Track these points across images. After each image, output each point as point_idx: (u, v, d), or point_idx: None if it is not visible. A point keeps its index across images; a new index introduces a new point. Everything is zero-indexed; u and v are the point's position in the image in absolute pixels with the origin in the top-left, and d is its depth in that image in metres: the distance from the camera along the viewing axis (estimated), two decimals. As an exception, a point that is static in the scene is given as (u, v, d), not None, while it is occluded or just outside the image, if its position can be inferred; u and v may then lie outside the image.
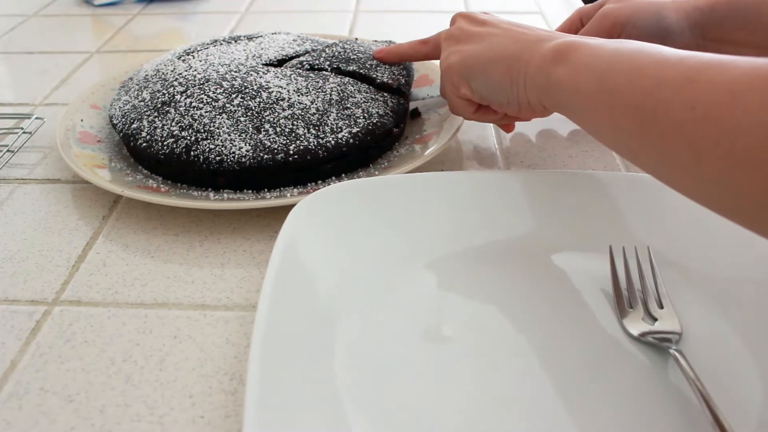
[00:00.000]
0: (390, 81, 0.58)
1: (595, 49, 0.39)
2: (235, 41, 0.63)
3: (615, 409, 0.35)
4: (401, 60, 0.60)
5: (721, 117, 0.30)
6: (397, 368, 0.38)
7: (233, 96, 0.53)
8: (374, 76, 0.58)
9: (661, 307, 0.41)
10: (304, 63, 0.59)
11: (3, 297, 0.45)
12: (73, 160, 0.54)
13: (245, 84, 0.54)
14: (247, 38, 0.64)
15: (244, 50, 0.60)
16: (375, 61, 0.60)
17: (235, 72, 0.56)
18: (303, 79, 0.56)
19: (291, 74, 0.56)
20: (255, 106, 0.53)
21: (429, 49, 0.57)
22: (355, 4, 0.99)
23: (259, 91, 0.54)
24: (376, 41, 0.65)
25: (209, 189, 0.53)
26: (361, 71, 0.58)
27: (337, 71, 0.58)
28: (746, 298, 0.41)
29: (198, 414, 0.36)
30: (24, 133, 0.63)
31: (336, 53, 0.60)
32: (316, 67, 0.58)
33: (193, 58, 0.59)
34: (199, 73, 0.56)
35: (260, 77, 0.55)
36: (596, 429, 0.34)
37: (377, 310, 0.41)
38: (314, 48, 0.62)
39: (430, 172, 0.51)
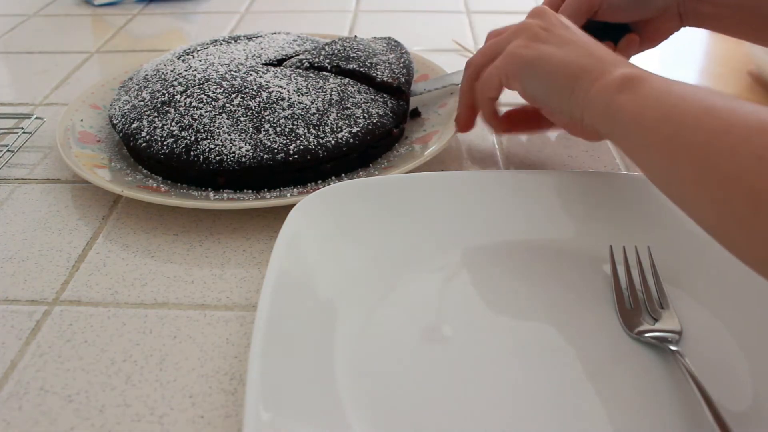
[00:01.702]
0: (390, 80, 0.58)
1: (665, 85, 0.38)
2: (235, 41, 0.63)
3: (615, 408, 0.35)
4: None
5: None
6: (397, 368, 0.38)
7: (233, 96, 0.53)
8: (374, 74, 0.58)
9: (661, 306, 0.41)
10: (303, 61, 0.59)
11: (3, 297, 0.45)
12: (73, 160, 0.54)
13: (245, 84, 0.54)
14: (247, 38, 0.64)
15: (244, 50, 0.60)
16: (375, 59, 0.59)
17: (235, 72, 0.56)
18: (303, 78, 0.56)
19: (291, 74, 0.56)
20: (255, 106, 0.53)
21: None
22: (355, 4, 0.99)
23: (259, 91, 0.54)
24: (375, 38, 0.65)
25: (209, 189, 0.53)
26: (361, 69, 0.58)
27: (337, 69, 0.58)
28: (746, 298, 0.41)
29: (198, 414, 0.36)
30: (24, 133, 0.63)
31: (335, 51, 0.59)
32: (315, 65, 0.58)
33: (193, 58, 0.59)
34: (198, 73, 0.56)
35: (260, 77, 0.55)
36: (596, 428, 0.34)
37: (377, 309, 0.41)
38: (314, 47, 0.62)
39: (430, 171, 0.51)
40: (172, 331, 0.42)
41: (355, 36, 0.64)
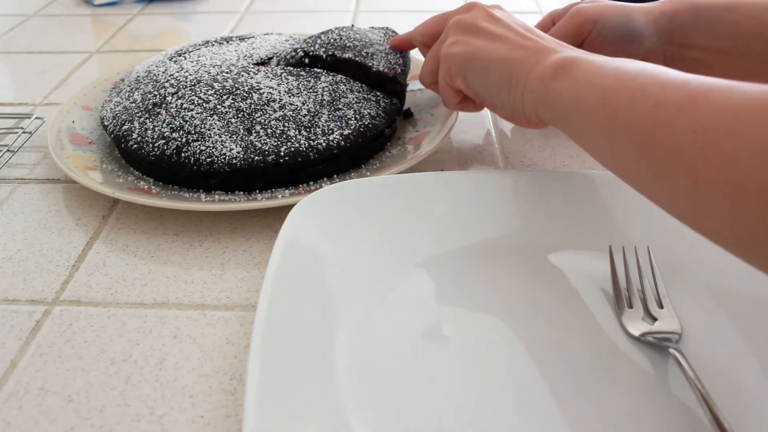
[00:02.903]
0: (385, 69, 0.57)
1: (597, 66, 0.38)
2: (227, 42, 0.63)
3: (615, 409, 0.35)
4: (413, 48, 0.60)
5: (723, 142, 0.29)
6: (397, 368, 0.38)
7: (224, 97, 0.53)
8: (370, 64, 0.57)
9: (661, 307, 0.41)
10: (299, 50, 0.58)
11: (3, 297, 0.45)
12: (65, 162, 0.54)
13: (236, 85, 0.54)
14: (239, 39, 0.64)
15: (236, 51, 0.60)
16: (371, 49, 0.59)
17: (227, 73, 0.55)
18: (294, 78, 0.56)
19: (282, 74, 0.56)
20: (246, 108, 0.53)
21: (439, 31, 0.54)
22: (355, 4, 0.99)
23: (251, 93, 0.53)
24: (372, 28, 0.64)
25: (200, 190, 0.52)
26: (357, 59, 0.57)
27: (332, 58, 0.57)
28: (746, 297, 0.41)
29: (198, 414, 0.36)
30: (24, 132, 0.63)
31: (331, 40, 0.59)
32: (310, 53, 0.58)
33: (185, 59, 0.59)
34: (190, 75, 0.56)
35: (251, 78, 0.55)
36: (596, 429, 0.34)
37: (377, 309, 0.41)
38: (323, 54, 0.61)
39: (430, 171, 0.51)
40: (172, 331, 0.42)
41: (352, 25, 0.63)
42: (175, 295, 0.45)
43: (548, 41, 0.45)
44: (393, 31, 0.64)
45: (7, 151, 0.60)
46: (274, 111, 0.53)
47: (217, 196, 0.52)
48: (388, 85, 0.58)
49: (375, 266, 0.44)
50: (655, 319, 0.40)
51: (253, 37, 0.64)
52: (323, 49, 0.58)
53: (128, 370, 0.39)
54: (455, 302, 0.42)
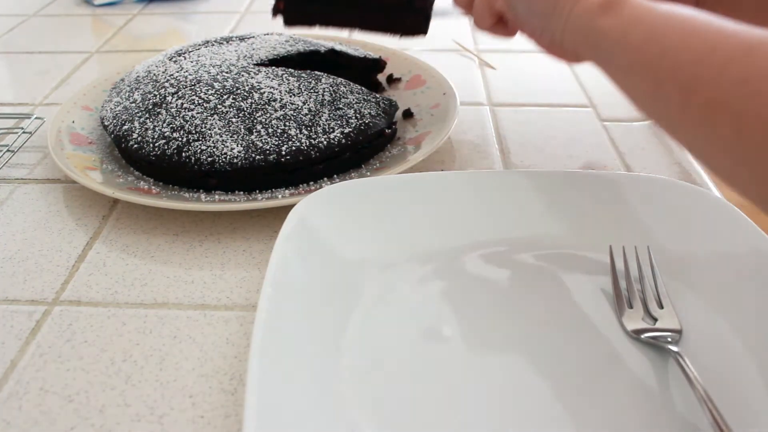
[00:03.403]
0: None
1: (647, 6, 0.37)
2: (227, 42, 0.63)
3: (615, 409, 0.35)
4: None
5: None
6: (397, 367, 0.38)
7: (225, 97, 0.53)
8: None
9: (661, 307, 0.41)
10: None
11: (3, 297, 0.45)
12: (65, 162, 0.54)
13: (237, 85, 0.54)
14: (239, 39, 0.64)
15: (236, 51, 0.60)
16: None
17: (227, 73, 0.55)
18: (295, 79, 0.56)
19: (283, 74, 0.56)
20: (247, 107, 0.53)
21: None
22: (355, 4, 0.99)
23: (251, 92, 0.53)
24: None
25: (200, 190, 0.52)
26: None
27: None
28: (746, 297, 0.41)
29: (198, 414, 0.36)
30: (24, 132, 0.63)
31: None
32: None
33: (185, 59, 0.59)
34: (190, 74, 0.56)
35: (252, 78, 0.55)
36: (596, 429, 0.34)
37: (377, 309, 0.41)
38: (306, 48, 0.62)
39: (430, 171, 0.51)
40: (172, 331, 0.42)
41: None
42: (175, 295, 0.45)
43: None
44: None
45: (7, 151, 0.60)
46: (275, 110, 0.53)
47: (217, 196, 0.52)
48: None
49: (375, 266, 0.44)
50: (655, 319, 0.40)
51: (253, 37, 0.64)
52: None
53: (128, 370, 0.39)
54: (455, 302, 0.42)
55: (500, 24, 0.51)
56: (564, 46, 0.43)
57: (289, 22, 0.57)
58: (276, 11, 0.56)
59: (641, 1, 0.38)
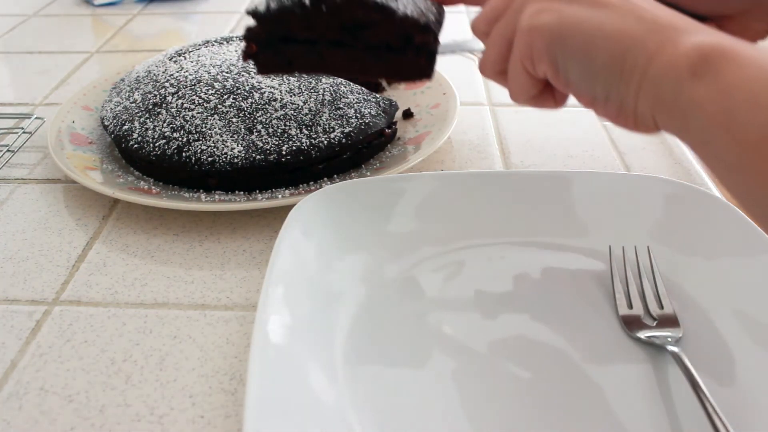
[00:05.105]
0: (415, 15, 0.42)
1: (760, 63, 0.28)
2: (227, 42, 0.63)
3: (615, 409, 0.35)
4: (457, 2, 0.45)
5: None
6: (397, 367, 0.38)
7: (225, 97, 0.53)
8: (393, 6, 0.42)
9: (661, 307, 0.41)
10: None
11: (3, 297, 0.45)
12: (65, 162, 0.54)
13: (237, 85, 0.54)
14: (239, 39, 0.64)
15: (236, 51, 0.60)
16: None
17: (227, 73, 0.55)
18: (295, 79, 0.56)
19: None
20: (247, 107, 0.53)
21: None
22: (355, 4, 0.99)
23: (251, 92, 0.54)
24: None
25: (200, 190, 0.53)
26: (377, 0, 0.42)
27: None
28: (746, 298, 0.41)
29: (198, 414, 0.36)
30: (24, 132, 0.63)
31: None
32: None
33: (185, 59, 0.59)
34: (190, 75, 0.56)
35: (252, 77, 0.55)
36: (596, 428, 0.34)
37: (377, 309, 0.41)
38: None
39: (430, 172, 0.51)
40: (172, 331, 0.42)
41: None
42: (175, 295, 0.45)
43: (670, 13, 0.33)
44: None
45: (7, 151, 0.60)
46: (276, 110, 0.53)
47: (217, 196, 0.52)
48: (417, 35, 0.43)
49: (375, 266, 0.44)
50: (655, 319, 0.40)
51: None
52: None
53: (128, 370, 0.39)
54: (455, 302, 0.42)
55: (546, 93, 0.38)
56: (637, 114, 0.33)
57: (264, 69, 0.45)
58: (248, 55, 0.44)
59: (750, 56, 0.28)
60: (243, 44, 0.45)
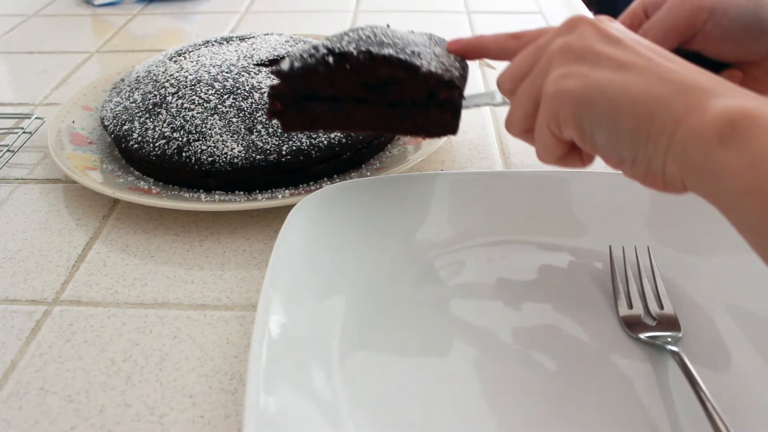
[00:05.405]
0: (439, 71, 0.41)
1: None
2: (227, 42, 0.63)
3: (615, 408, 0.35)
4: (481, 56, 0.44)
5: None
6: (397, 367, 0.38)
7: (225, 97, 0.53)
8: (417, 63, 0.41)
9: (661, 307, 0.41)
10: (320, 48, 0.43)
11: (3, 297, 0.45)
12: (65, 162, 0.54)
13: (237, 85, 0.54)
14: (239, 39, 0.64)
15: (236, 51, 0.60)
16: (417, 48, 0.43)
17: (227, 73, 0.55)
18: None
19: None
20: (247, 107, 0.53)
21: (521, 47, 0.39)
22: (355, 4, 0.99)
23: (251, 92, 0.54)
24: (412, 31, 0.47)
25: (200, 190, 0.53)
26: (400, 56, 0.41)
27: (367, 56, 0.41)
28: (746, 297, 0.41)
29: (198, 414, 0.36)
30: (24, 132, 0.63)
31: (363, 36, 0.43)
32: (336, 51, 0.42)
33: (185, 59, 0.59)
34: (190, 75, 0.56)
35: (252, 78, 0.55)
36: (596, 428, 0.34)
37: (377, 309, 0.41)
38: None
39: (430, 172, 0.51)
40: (172, 331, 0.42)
41: (388, 24, 0.47)
42: (175, 295, 0.45)
43: (697, 72, 0.32)
44: (439, 37, 0.48)
45: (7, 151, 0.60)
46: None
47: (217, 196, 0.52)
48: (442, 91, 0.42)
49: (375, 266, 0.44)
50: (655, 319, 0.40)
51: (254, 37, 0.64)
52: (353, 45, 0.42)
53: (128, 370, 0.39)
54: (455, 302, 0.42)
55: (573, 154, 0.38)
56: (666, 176, 0.32)
57: (288, 126, 0.44)
58: (272, 113, 0.44)
59: None
60: (267, 101, 0.45)
